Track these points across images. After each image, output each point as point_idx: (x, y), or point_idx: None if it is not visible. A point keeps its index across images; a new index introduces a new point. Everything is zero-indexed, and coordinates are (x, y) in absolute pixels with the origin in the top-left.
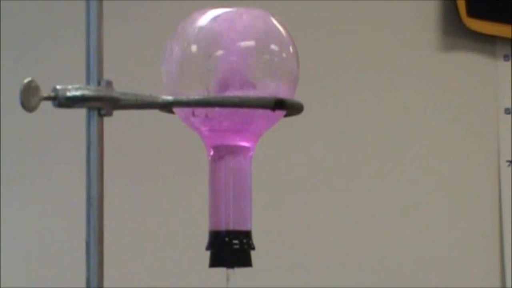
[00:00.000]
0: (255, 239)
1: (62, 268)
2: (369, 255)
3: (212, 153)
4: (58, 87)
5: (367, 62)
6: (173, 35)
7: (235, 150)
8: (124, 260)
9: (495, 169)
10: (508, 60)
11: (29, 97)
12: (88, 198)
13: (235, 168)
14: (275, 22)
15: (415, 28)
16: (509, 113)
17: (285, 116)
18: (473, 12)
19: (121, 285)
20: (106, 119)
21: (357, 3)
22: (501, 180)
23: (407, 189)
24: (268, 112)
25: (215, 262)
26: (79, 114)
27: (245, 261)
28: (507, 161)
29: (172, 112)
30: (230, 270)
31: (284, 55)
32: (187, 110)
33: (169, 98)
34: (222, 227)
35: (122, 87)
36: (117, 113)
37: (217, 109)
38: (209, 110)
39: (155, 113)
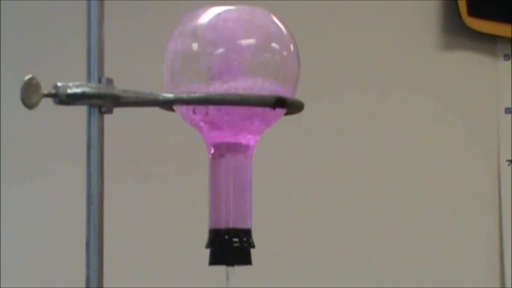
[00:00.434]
0: (255, 237)
1: (62, 266)
2: (369, 255)
3: (212, 151)
4: (59, 84)
5: (368, 61)
6: (174, 33)
7: (236, 148)
8: (124, 258)
9: (495, 168)
10: (508, 59)
11: (29, 94)
12: (88, 196)
13: (235, 166)
14: (276, 20)
15: (416, 27)
16: (509, 113)
17: (286, 114)
18: (473, 11)
19: (121, 284)
20: (106, 117)
21: (358, 3)
22: (501, 179)
23: (407, 189)
24: (268, 110)
25: (215, 260)
26: (80, 111)
27: (245, 259)
28: (507, 160)
29: (172, 110)
30: (230, 268)
31: (285, 53)
32: (188, 107)
33: (170, 95)
34: (222, 225)
35: (122, 85)
36: (117, 111)
37: (217, 107)
38: (209, 108)
39: (156, 110)
